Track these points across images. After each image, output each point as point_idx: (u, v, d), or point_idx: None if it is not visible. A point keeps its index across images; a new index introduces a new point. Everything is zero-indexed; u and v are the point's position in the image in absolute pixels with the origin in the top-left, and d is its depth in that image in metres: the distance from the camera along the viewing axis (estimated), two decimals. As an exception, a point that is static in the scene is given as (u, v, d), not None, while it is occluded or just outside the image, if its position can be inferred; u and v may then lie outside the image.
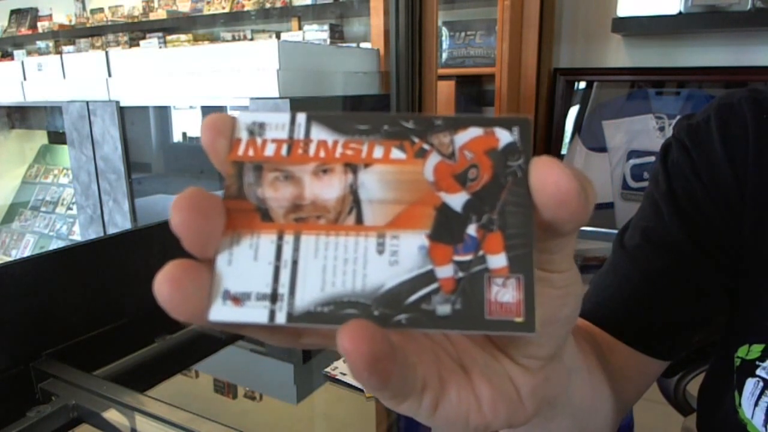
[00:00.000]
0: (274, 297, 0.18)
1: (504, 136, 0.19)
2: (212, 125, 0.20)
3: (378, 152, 0.19)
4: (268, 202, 0.19)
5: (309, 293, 0.18)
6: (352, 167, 0.19)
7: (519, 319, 0.18)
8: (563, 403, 0.29)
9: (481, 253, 0.18)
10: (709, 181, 0.47)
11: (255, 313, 0.18)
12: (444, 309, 0.18)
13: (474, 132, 0.19)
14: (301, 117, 0.19)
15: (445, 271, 0.18)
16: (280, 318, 0.18)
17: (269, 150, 0.19)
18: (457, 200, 0.19)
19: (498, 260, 0.18)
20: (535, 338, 0.22)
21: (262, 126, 0.19)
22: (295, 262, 0.18)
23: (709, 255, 0.47)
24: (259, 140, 0.19)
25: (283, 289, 0.18)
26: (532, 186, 0.19)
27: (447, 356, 0.23)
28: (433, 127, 0.19)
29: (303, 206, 0.19)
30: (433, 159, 0.19)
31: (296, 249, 0.19)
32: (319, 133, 0.19)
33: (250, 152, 0.19)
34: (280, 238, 0.19)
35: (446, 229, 0.18)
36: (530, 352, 0.24)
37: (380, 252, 0.18)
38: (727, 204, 0.46)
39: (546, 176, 0.19)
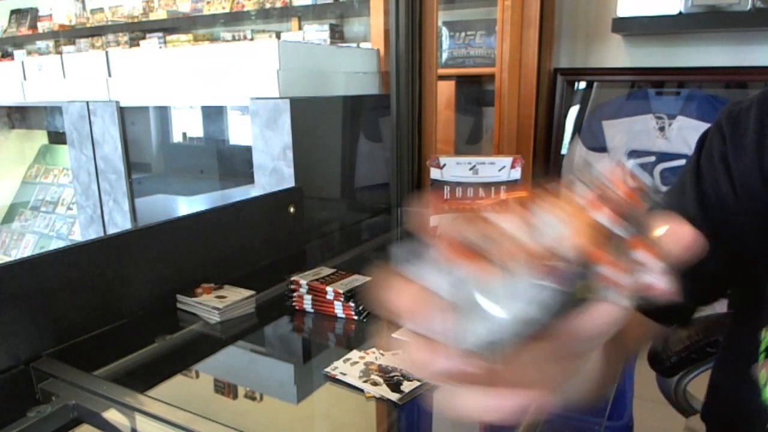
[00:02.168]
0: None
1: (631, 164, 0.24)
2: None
3: (545, 199, 0.25)
4: (474, 240, 0.24)
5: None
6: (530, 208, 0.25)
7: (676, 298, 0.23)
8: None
9: (636, 256, 0.23)
10: (736, 166, 0.50)
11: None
12: (618, 299, 0.24)
13: (613, 169, 0.25)
14: None
15: (607, 271, 0.24)
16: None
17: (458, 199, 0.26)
18: (609, 220, 0.24)
19: (650, 259, 0.23)
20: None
21: None
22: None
23: (720, 237, 0.49)
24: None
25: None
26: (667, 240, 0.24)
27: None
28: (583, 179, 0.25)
29: (498, 241, 0.24)
30: (586, 191, 0.24)
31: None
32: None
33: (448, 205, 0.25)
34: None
35: (607, 242, 0.23)
36: (579, 357, 0.29)
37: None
38: (748, 191, 0.49)
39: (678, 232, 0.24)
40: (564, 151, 1.88)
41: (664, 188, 1.85)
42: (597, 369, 0.44)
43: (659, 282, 0.23)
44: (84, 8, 3.63)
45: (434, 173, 1.39)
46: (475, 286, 0.24)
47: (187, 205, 1.93)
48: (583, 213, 0.24)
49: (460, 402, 0.26)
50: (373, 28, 1.69)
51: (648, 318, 0.52)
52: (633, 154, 1.75)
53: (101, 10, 3.52)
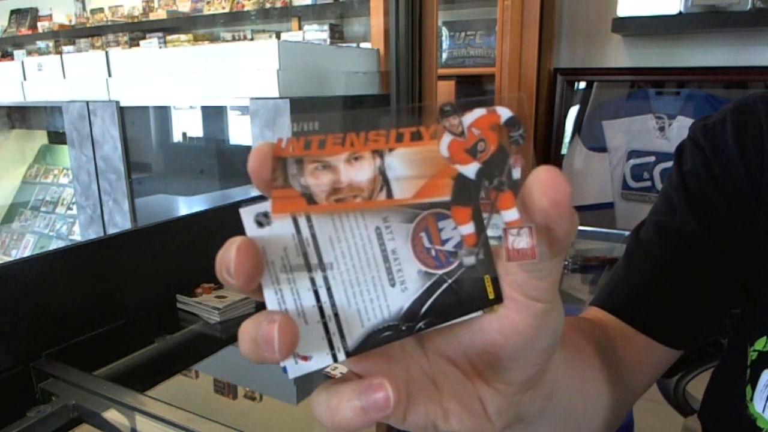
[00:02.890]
0: (331, 346, 0.23)
1: (504, 112, 0.22)
2: (258, 151, 0.22)
3: (399, 138, 0.21)
4: (311, 187, 0.21)
5: (355, 333, 0.23)
6: (379, 153, 0.21)
7: (534, 260, 0.21)
8: (540, 418, 0.30)
9: (502, 213, 0.21)
10: (722, 178, 0.48)
11: (323, 361, 0.23)
12: (470, 259, 0.22)
13: (479, 112, 0.22)
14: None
15: (467, 229, 0.22)
16: (341, 357, 0.23)
17: (308, 145, 0.22)
18: (470, 170, 0.22)
19: (511, 214, 0.21)
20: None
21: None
22: (336, 315, 0.23)
23: (722, 248, 0.48)
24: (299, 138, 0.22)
25: (335, 338, 0.23)
26: (531, 185, 0.21)
27: (420, 373, 0.25)
28: (444, 113, 0.22)
29: (341, 188, 0.21)
30: (447, 138, 0.21)
31: (331, 296, 0.22)
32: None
33: (291, 149, 0.22)
34: (314, 282, 0.22)
35: (464, 194, 0.22)
36: (503, 378, 0.25)
37: (392, 284, 0.22)
38: (740, 200, 0.47)
39: (544, 176, 0.21)
40: (564, 151, 1.88)
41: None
42: (595, 406, 0.43)
43: (523, 242, 0.21)
44: (84, 8, 3.63)
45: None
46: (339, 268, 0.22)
47: (187, 205, 1.93)
48: (446, 166, 0.22)
49: (316, 403, 0.23)
50: (373, 28, 1.69)
51: (652, 340, 0.50)
52: (633, 154, 1.75)
53: (101, 10, 3.51)
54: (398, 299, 0.23)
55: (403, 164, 0.21)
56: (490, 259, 0.22)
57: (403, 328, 0.23)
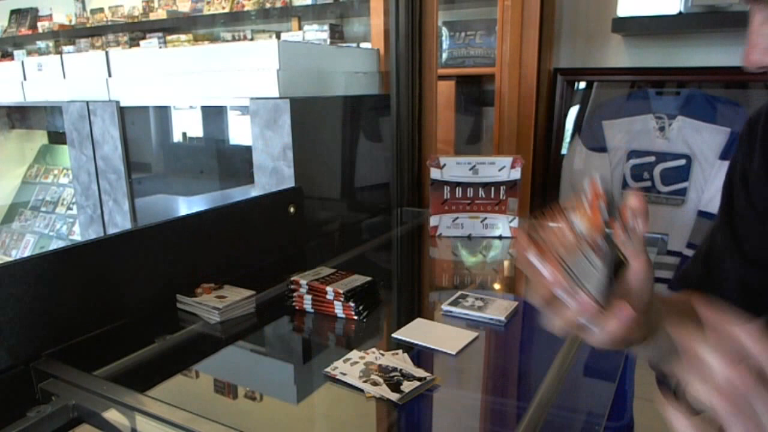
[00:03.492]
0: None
1: (600, 196, 0.48)
2: (521, 244, 0.49)
3: (569, 214, 0.50)
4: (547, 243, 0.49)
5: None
6: (568, 221, 0.49)
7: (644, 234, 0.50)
8: (651, 341, 0.53)
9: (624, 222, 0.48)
10: (759, 167, 0.60)
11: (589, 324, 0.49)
12: (613, 245, 0.48)
13: (588, 200, 0.49)
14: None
15: (616, 232, 0.48)
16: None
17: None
18: (604, 208, 0.48)
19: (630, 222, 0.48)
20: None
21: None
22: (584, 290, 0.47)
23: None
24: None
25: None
26: (628, 204, 0.47)
27: None
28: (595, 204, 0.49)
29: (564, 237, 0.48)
30: (586, 211, 0.48)
31: (579, 284, 0.47)
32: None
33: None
34: (570, 277, 0.47)
35: (606, 219, 0.48)
36: (636, 305, 0.46)
37: (595, 269, 0.47)
38: (760, 192, 0.59)
39: (634, 199, 0.47)
40: (564, 151, 1.88)
41: (664, 188, 1.84)
42: None
43: (639, 225, 0.47)
44: (84, 8, 3.64)
45: (434, 173, 1.39)
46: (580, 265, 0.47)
47: (187, 205, 1.93)
48: (591, 210, 0.47)
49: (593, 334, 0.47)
50: (373, 28, 1.70)
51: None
52: (633, 154, 1.75)
53: (101, 10, 3.52)
54: (598, 277, 0.46)
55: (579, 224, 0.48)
56: (618, 244, 0.48)
57: (606, 292, 0.46)
